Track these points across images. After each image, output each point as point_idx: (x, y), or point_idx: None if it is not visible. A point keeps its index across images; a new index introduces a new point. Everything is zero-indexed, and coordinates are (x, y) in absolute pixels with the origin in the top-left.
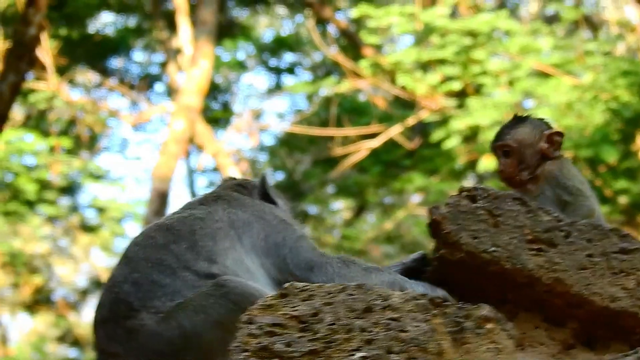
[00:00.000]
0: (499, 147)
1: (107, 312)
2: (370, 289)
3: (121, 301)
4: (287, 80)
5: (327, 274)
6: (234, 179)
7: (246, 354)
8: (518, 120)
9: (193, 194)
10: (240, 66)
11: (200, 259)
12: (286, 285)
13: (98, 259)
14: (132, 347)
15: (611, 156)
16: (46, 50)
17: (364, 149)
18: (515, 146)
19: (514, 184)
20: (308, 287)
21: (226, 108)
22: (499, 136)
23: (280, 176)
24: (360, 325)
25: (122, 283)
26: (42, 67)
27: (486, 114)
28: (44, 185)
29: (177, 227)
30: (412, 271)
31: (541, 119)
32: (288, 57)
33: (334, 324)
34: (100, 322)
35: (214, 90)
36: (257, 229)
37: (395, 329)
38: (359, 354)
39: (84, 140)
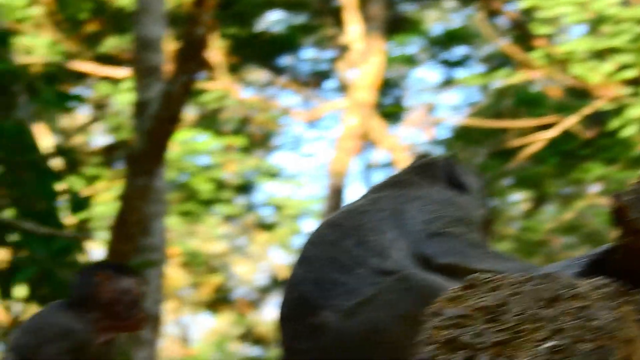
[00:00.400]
0: None
1: (291, 311)
2: (556, 278)
3: (303, 301)
4: (459, 73)
5: (444, 248)
6: (425, 156)
7: (434, 346)
8: None
9: None
10: (411, 61)
11: (371, 255)
12: (471, 276)
13: (276, 257)
14: (317, 344)
15: None
16: (216, 49)
17: (540, 139)
18: None
19: None
20: (493, 278)
21: (398, 103)
22: None
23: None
24: (548, 314)
25: (301, 283)
26: (213, 67)
27: None
28: (219, 184)
29: (343, 223)
30: (600, 263)
31: None
32: (459, 50)
33: (521, 314)
34: (284, 320)
35: (385, 85)
36: (420, 216)
37: (583, 318)
38: (547, 344)
39: (257, 138)
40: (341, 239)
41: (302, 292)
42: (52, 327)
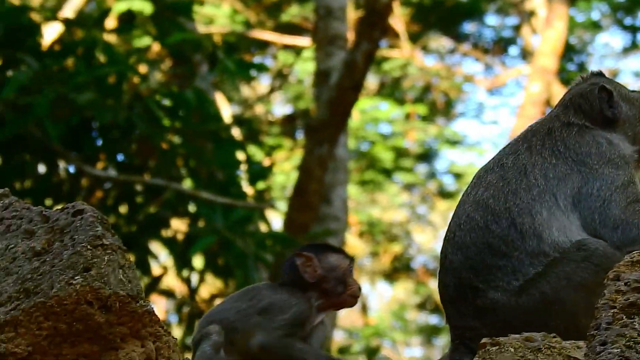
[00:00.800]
0: None
1: (454, 293)
2: None
3: (464, 286)
4: None
5: (629, 236)
6: (584, 81)
7: (614, 310)
8: None
9: None
10: (595, 26)
11: (527, 238)
12: None
13: None
14: (488, 321)
15: None
16: (398, 17)
17: None
18: None
19: None
20: None
21: (582, 69)
22: None
23: None
24: None
25: (459, 270)
26: (395, 35)
27: None
28: (400, 153)
29: (492, 204)
30: None
31: None
32: None
33: None
34: (448, 301)
35: (569, 51)
36: (573, 181)
37: None
38: None
39: (440, 106)
40: (492, 222)
41: (463, 278)
42: (273, 301)
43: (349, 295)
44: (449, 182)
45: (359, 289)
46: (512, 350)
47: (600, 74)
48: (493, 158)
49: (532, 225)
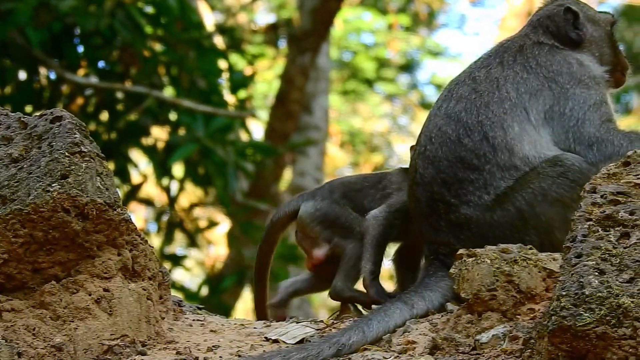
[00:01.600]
0: None
1: (426, 208)
2: None
3: (436, 200)
4: None
5: (605, 152)
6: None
7: (590, 222)
8: None
9: None
10: None
11: (498, 151)
12: (629, 153)
13: None
14: (463, 236)
15: None
16: None
17: None
18: None
19: None
20: None
21: None
22: None
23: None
24: None
25: (430, 184)
26: None
27: None
28: (382, 63)
29: (464, 117)
30: None
31: None
32: None
33: None
34: (421, 216)
35: None
36: (544, 97)
37: None
38: None
39: (422, 17)
40: (465, 135)
41: (435, 192)
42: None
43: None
44: (430, 93)
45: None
46: (489, 261)
47: None
48: (464, 71)
49: (504, 138)
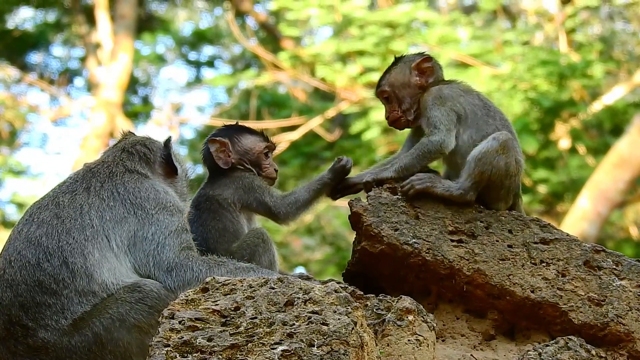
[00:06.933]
0: (379, 94)
1: (4, 332)
2: (291, 283)
3: (14, 323)
4: (207, 73)
5: (184, 278)
6: (133, 134)
7: (168, 348)
8: (393, 63)
9: None
10: (160, 60)
11: (77, 276)
12: (208, 279)
13: None
14: None
15: (530, 146)
16: None
17: (284, 141)
18: (389, 90)
19: (401, 126)
20: (229, 280)
21: (146, 102)
22: (377, 84)
23: (200, 170)
24: (282, 319)
25: (9, 307)
26: None
27: None
28: None
29: (44, 242)
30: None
31: (416, 54)
32: (207, 50)
33: (255, 317)
34: (1, 340)
35: (133, 84)
36: (129, 224)
37: (316, 322)
38: (280, 348)
39: (4, 135)
40: (44, 260)
41: (12, 315)
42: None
43: (265, 177)
44: (11, 212)
45: (275, 170)
46: None
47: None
48: (47, 195)
49: (83, 264)
